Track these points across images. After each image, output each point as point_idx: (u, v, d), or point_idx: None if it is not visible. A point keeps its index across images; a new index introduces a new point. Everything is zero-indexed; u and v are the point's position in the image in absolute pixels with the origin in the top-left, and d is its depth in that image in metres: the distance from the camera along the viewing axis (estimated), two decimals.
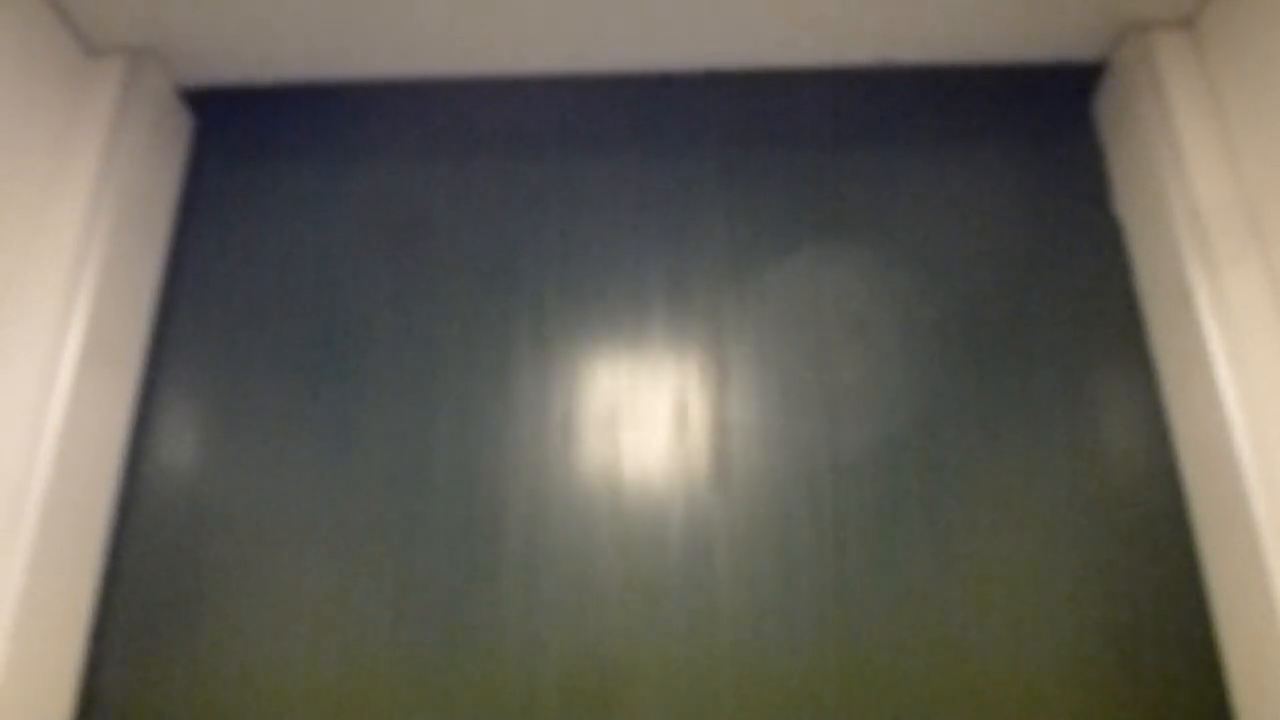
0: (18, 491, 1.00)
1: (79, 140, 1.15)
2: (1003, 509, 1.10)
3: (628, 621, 1.08)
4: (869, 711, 1.03)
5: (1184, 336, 1.09)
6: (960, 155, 1.27)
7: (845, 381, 1.16)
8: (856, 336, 1.18)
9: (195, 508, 1.14)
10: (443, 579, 1.10)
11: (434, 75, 1.31)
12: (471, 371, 1.18)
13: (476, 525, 1.12)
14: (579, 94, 1.32)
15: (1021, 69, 1.30)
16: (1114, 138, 1.24)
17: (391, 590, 1.10)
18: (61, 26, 1.15)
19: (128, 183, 1.16)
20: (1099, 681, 1.03)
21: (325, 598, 1.10)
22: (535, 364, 1.18)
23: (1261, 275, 1.05)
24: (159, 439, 1.17)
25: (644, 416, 1.16)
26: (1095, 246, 1.21)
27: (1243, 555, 0.99)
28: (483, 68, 1.31)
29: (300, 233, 1.26)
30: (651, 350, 1.19)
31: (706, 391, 1.17)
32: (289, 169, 1.29)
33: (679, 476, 1.13)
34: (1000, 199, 1.24)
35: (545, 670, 1.06)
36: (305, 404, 1.18)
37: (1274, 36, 1.05)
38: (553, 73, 1.32)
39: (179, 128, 1.29)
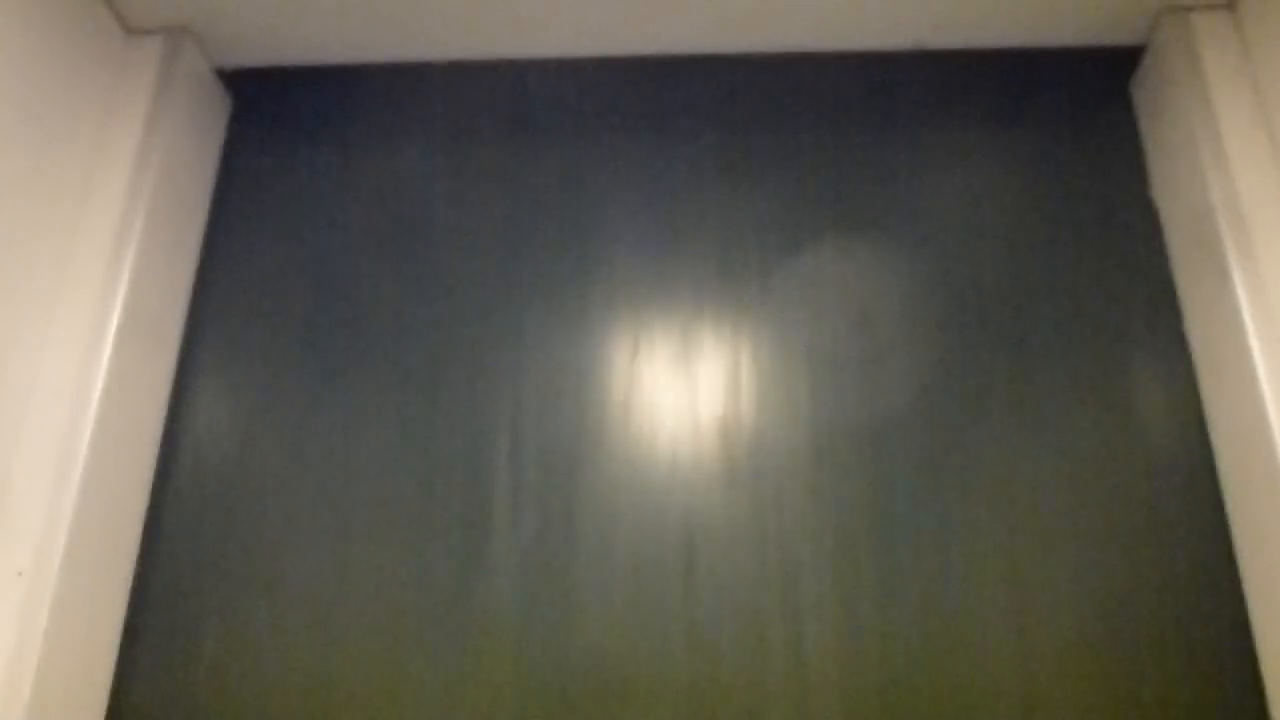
0: (61, 468, 1.02)
1: (120, 119, 1.17)
2: (1034, 490, 1.10)
3: (637, 614, 1.08)
4: (895, 701, 1.04)
5: (1220, 320, 1.08)
6: (995, 140, 1.26)
7: (873, 362, 1.16)
8: (885, 317, 1.18)
9: (231, 485, 1.16)
10: (483, 557, 1.11)
11: (469, 57, 1.32)
12: (492, 353, 1.20)
13: (498, 511, 1.13)
14: (607, 76, 1.32)
15: (1057, 52, 1.29)
16: (1151, 121, 1.23)
17: (426, 571, 1.11)
18: (102, 6, 1.17)
19: (167, 161, 1.17)
20: (1128, 661, 1.03)
21: (359, 578, 1.11)
22: (551, 349, 1.19)
23: None
24: (195, 415, 1.19)
25: (648, 408, 1.16)
26: (1130, 230, 1.21)
27: (1277, 534, 0.98)
28: (519, 50, 1.31)
29: (334, 211, 1.27)
30: (665, 340, 1.19)
31: (720, 384, 1.17)
32: (324, 148, 1.30)
33: (683, 469, 1.13)
34: (1035, 183, 1.23)
35: (575, 662, 1.07)
36: (339, 379, 1.19)
37: None
38: (591, 54, 1.32)
39: (216, 107, 1.30)
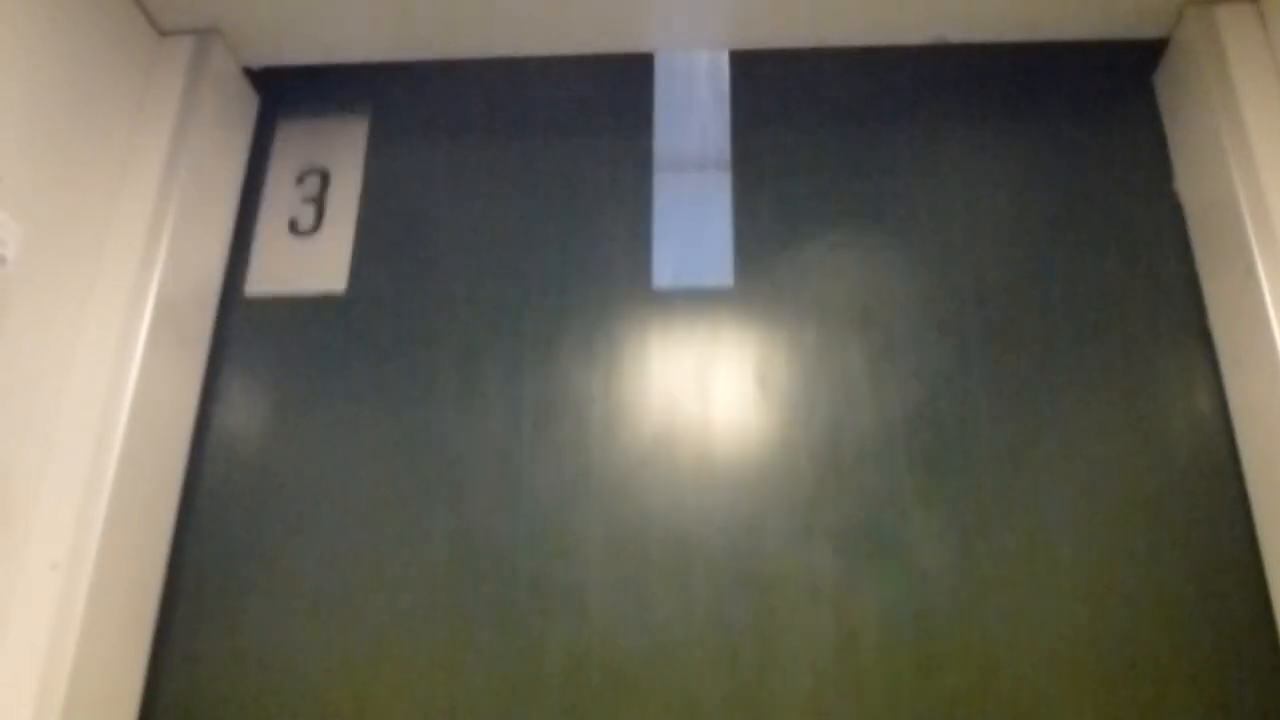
0: (94, 464, 1.03)
1: (151, 118, 1.18)
2: (1055, 486, 1.10)
3: (645, 615, 1.09)
4: (910, 700, 1.04)
5: (1245, 313, 1.08)
6: (1017, 134, 1.26)
7: (887, 356, 1.17)
8: (905, 316, 1.18)
9: (262, 478, 1.17)
10: (503, 552, 1.12)
11: (493, 55, 1.32)
12: (516, 353, 1.20)
13: (516, 507, 1.14)
14: (617, 72, 1.33)
15: (1079, 46, 1.28)
16: (1174, 114, 1.23)
17: (453, 567, 1.12)
18: (134, 8, 1.18)
19: (197, 158, 1.19)
20: (1150, 657, 1.03)
21: (389, 572, 1.12)
22: (566, 341, 1.20)
23: None
24: (226, 410, 1.20)
25: (653, 405, 1.17)
26: (1153, 223, 1.20)
27: None
28: (546, 47, 1.31)
29: (363, 207, 1.28)
30: (671, 337, 1.20)
31: (726, 382, 1.18)
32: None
33: (688, 467, 1.14)
34: (1057, 177, 1.23)
35: (592, 652, 1.08)
36: (368, 380, 1.20)
37: None
38: (607, 51, 1.32)
39: (245, 106, 1.32)
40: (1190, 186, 1.19)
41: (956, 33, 1.28)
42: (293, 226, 1.28)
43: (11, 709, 0.94)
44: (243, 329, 1.24)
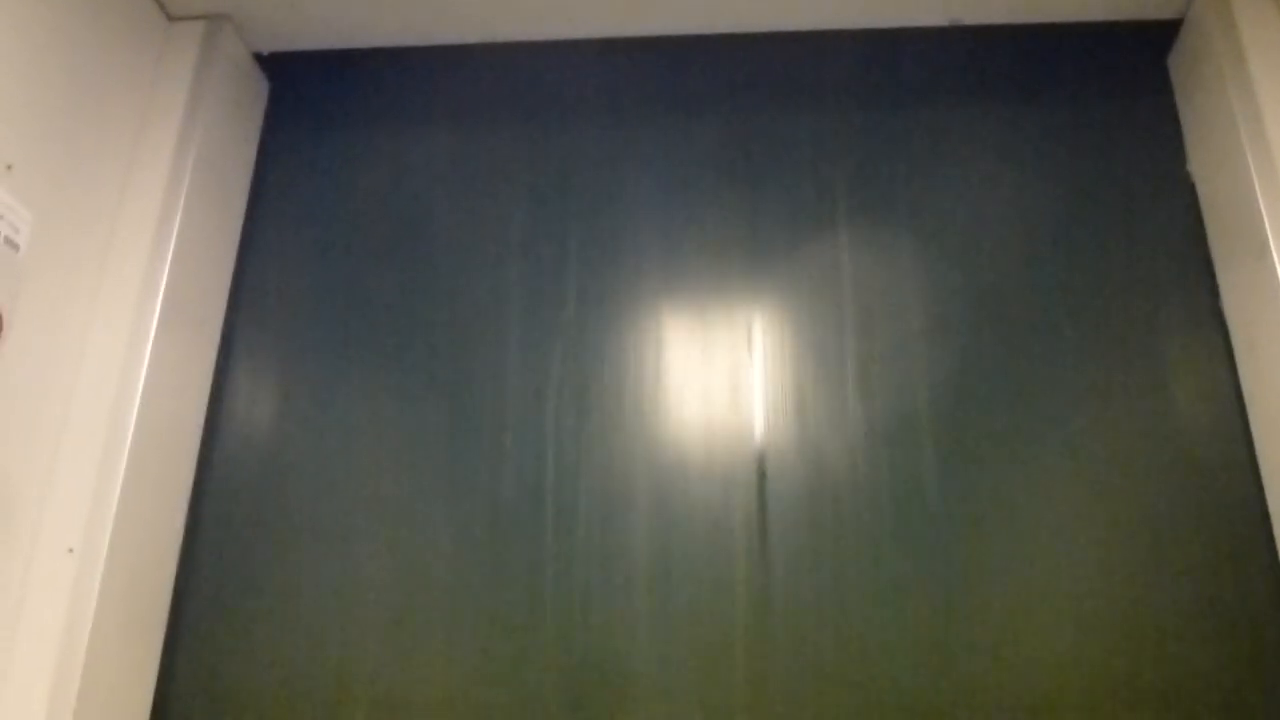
0: (108, 450, 1.04)
1: (162, 103, 1.19)
2: (1070, 472, 1.10)
3: (658, 611, 1.09)
4: (927, 692, 1.04)
5: (1259, 296, 1.07)
6: (1030, 116, 1.25)
7: (905, 349, 1.16)
8: (916, 302, 1.18)
9: (272, 466, 1.18)
10: (504, 546, 1.12)
11: (503, 39, 1.32)
12: (517, 344, 1.20)
13: (519, 501, 1.14)
14: (632, 58, 1.33)
15: (1093, 27, 1.28)
16: (1188, 96, 1.22)
17: (458, 556, 1.12)
18: None
19: (207, 143, 1.19)
20: (1164, 643, 1.03)
21: (394, 565, 1.13)
22: (573, 336, 1.20)
23: None
24: (237, 396, 1.21)
25: (661, 400, 1.17)
26: (1166, 206, 1.20)
27: None
28: (554, 31, 1.31)
29: (372, 195, 1.29)
30: (680, 330, 1.20)
31: (737, 377, 1.18)
32: (361, 130, 1.32)
33: (696, 463, 1.13)
34: (1070, 159, 1.22)
35: (591, 655, 1.08)
36: (379, 364, 1.20)
37: None
38: (622, 35, 1.32)
39: (255, 92, 1.32)
40: (1204, 169, 1.18)
41: (970, 14, 1.27)
42: None
43: (29, 688, 0.95)
44: (254, 314, 1.24)
